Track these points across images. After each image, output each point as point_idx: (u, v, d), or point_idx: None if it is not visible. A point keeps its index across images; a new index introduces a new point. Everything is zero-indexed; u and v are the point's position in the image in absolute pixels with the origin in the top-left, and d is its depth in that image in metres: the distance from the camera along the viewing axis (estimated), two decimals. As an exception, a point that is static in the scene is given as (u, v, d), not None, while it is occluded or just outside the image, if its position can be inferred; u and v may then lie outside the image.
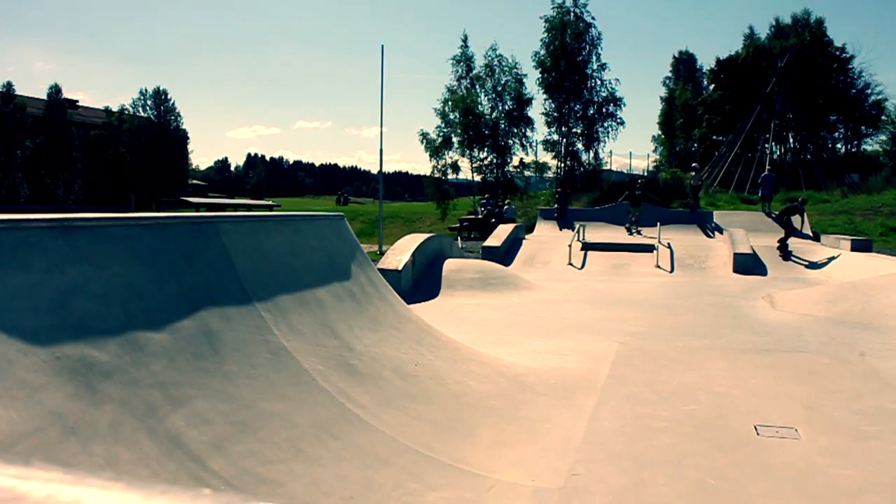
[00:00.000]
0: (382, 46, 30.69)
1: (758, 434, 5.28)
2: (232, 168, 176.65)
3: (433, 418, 5.17)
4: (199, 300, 4.48)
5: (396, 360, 5.94)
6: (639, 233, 25.10)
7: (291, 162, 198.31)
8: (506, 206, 34.46)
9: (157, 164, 70.42)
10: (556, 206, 30.45)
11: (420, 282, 14.31)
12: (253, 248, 5.45)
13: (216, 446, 3.54)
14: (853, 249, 18.64)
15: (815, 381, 7.13)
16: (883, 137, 52.58)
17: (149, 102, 75.14)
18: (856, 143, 62.18)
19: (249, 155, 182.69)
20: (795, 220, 21.94)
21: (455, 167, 48.99)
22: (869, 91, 60.11)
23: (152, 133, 71.93)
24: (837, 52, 59.16)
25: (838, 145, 62.10)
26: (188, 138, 79.67)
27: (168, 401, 3.60)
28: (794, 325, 10.43)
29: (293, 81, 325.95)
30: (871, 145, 59.71)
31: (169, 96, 76.39)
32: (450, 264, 15.07)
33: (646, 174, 53.73)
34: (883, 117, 54.91)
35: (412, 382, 5.66)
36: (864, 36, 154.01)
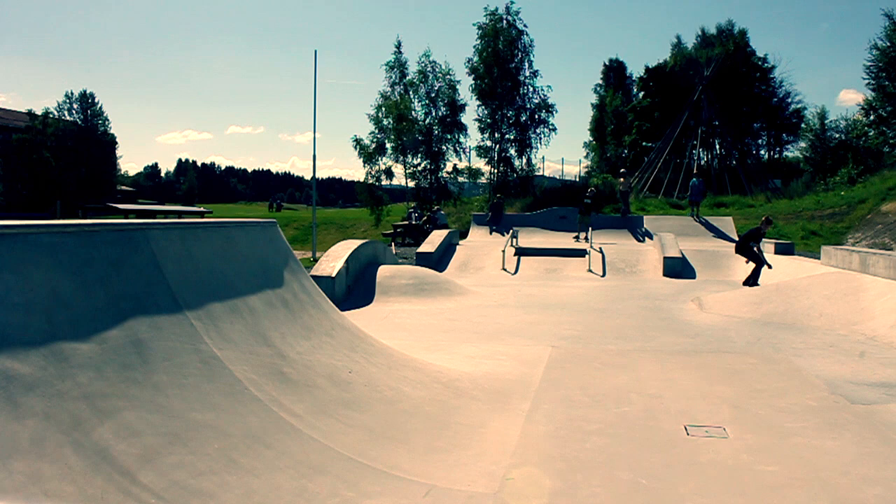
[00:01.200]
0: (315, 52, 30.58)
1: (688, 434, 5.40)
2: (162, 174, 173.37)
3: (368, 425, 5.15)
4: (128, 309, 4.37)
5: (330, 368, 5.89)
6: (587, 240, 25.10)
7: (223, 168, 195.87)
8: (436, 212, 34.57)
9: (83, 170, 68.49)
10: (489, 212, 30.68)
11: (354, 288, 14.23)
12: (183, 255, 5.35)
13: (146, 459, 3.46)
14: (777, 253, 19.19)
15: (741, 380, 7.32)
16: (803, 144, 54.41)
17: (75, 106, 73.05)
18: (778, 149, 64.32)
19: (180, 160, 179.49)
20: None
21: (389, 173, 48.95)
22: (789, 100, 62.27)
23: (78, 137, 69.85)
24: (760, 62, 61.13)
25: (762, 152, 64.09)
26: (116, 143, 77.70)
27: (95, 413, 3.50)
28: (722, 326, 10.69)
29: (225, 86, 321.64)
30: (793, 152, 61.86)
31: (96, 100, 74.38)
32: (384, 270, 15.04)
33: (578, 180, 54.49)
34: (802, 125, 56.80)
35: (346, 390, 5.63)
36: (784, 47, 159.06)
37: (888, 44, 45.65)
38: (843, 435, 5.41)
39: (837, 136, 50.77)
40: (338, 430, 4.85)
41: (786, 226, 32.03)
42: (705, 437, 5.33)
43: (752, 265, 16.36)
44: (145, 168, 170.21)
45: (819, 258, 15.74)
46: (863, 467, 4.71)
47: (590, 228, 25.56)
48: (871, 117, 47.82)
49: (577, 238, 25.94)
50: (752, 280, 15.88)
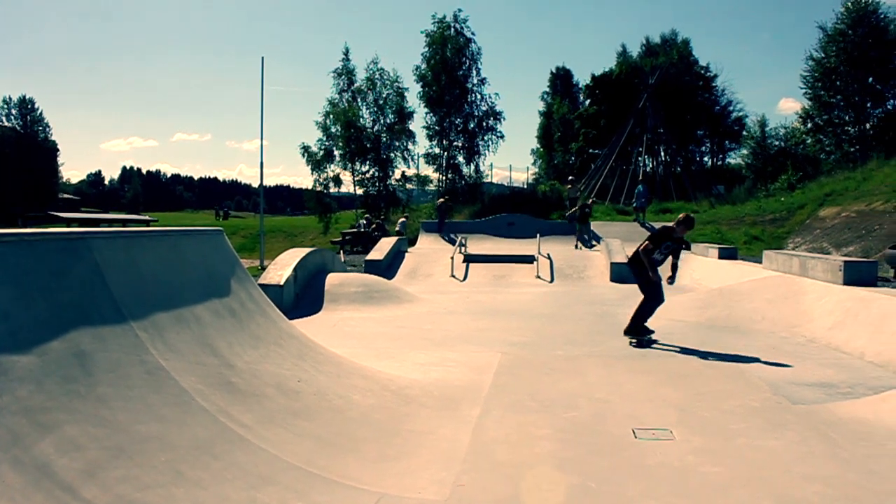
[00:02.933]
0: (263, 58, 30.24)
1: (635, 437, 5.47)
2: (106, 182, 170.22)
3: (317, 434, 5.11)
4: (70, 320, 4.27)
5: (279, 377, 5.84)
6: (589, 247, 25.95)
7: (169, 175, 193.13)
8: (400, 221, 34.52)
9: (23, 177, 66.87)
10: (436, 213, 30.79)
11: (302, 297, 14.12)
12: (128, 264, 5.25)
13: (89, 473, 3.39)
14: (720, 257, 19.53)
15: (687, 383, 7.44)
16: (745, 151, 55.59)
17: (13, 112, 71.41)
18: (721, 156, 65.82)
19: (125, 168, 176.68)
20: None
21: (337, 180, 48.78)
22: (731, 108, 63.79)
23: (18, 144, 68.28)
24: (703, 71, 62.54)
25: (705, 158, 65.48)
26: (58, 150, 76.22)
27: (35, 428, 3.42)
28: (668, 330, 10.86)
29: (171, 93, 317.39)
30: (735, 159, 63.31)
31: (36, 105, 72.86)
32: (332, 278, 14.95)
33: (526, 187, 54.95)
34: (744, 133, 58.09)
35: (295, 399, 5.58)
36: (726, 57, 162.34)
37: (823, 55, 47.06)
38: (784, 435, 5.53)
39: (777, 143, 52.05)
40: (287, 440, 4.81)
41: (729, 231, 32.71)
42: (652, 439, 5.40)
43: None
44: (88, 176, 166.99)
45: (761, 262, 16.06)
46: (804, 466, 4.82)
47: (585, 236, 26.95)
48: (809, 125, 49.24)
49: (577, 247, 26.13)
50: (634, 324, 10.07)
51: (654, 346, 9.81)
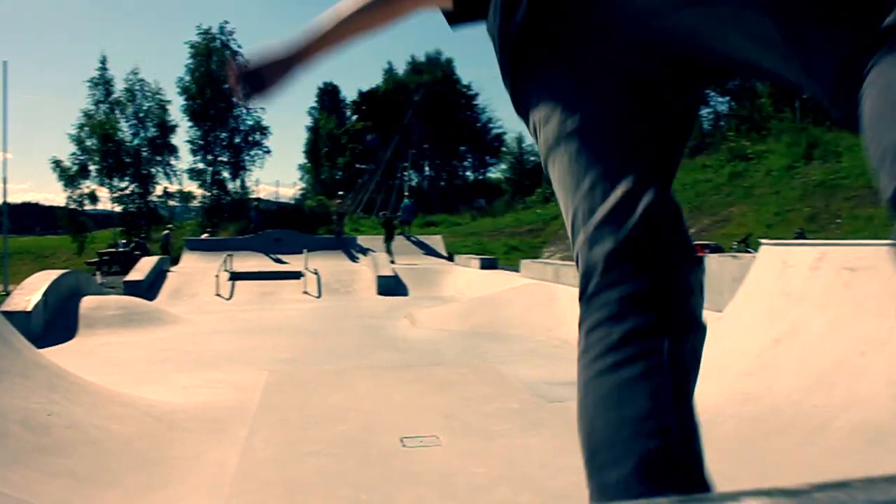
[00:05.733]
0: (5, 63, 27.72)
1: (403, 446, 5.57)
2: None
3: (73, 471, 4.75)
4: None
5: (25, 412, 5.36)
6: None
7: None
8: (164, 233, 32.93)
9: None
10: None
11: (54, 323, 13.08)
12: None
13: None
14: (482, 268, 20.39)
15: (452, 390, 7.69)
16: (504, 166, 58.69)
17: None
18: (482, 171, 68.92)
19: None
20: None
21: (93, 197, 45.79)
22: (491, 125, 67.03)
23: None
24: (465, 90, 65.20)
25: (468, 173, 68.25)
26: None
27: None
28: (433, 340, 11.17)
29: None
30: (495, 173, 66.57)
31: None
32: (88, 302, 13.98)
33: (294, 202, 54.45)
34: (503, 149, 61.36)
35: (45, 434, 5.15)
36: (486, 77, 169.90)
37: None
38: (542, 432, 5.86)
39: (534, 158, 55.38)
40: (37, 480, 4.42)
41: (490, 242, 34.37)
42: (420, 447, 5.53)
43: None
44: None
45: (519, 271, 16.97)
46: (559, 459, 5.14)
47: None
48: (560, 142, 52.75)
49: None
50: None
51: (421, 356, 10.08)
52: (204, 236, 34.78)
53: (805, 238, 21.21)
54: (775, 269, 6.97)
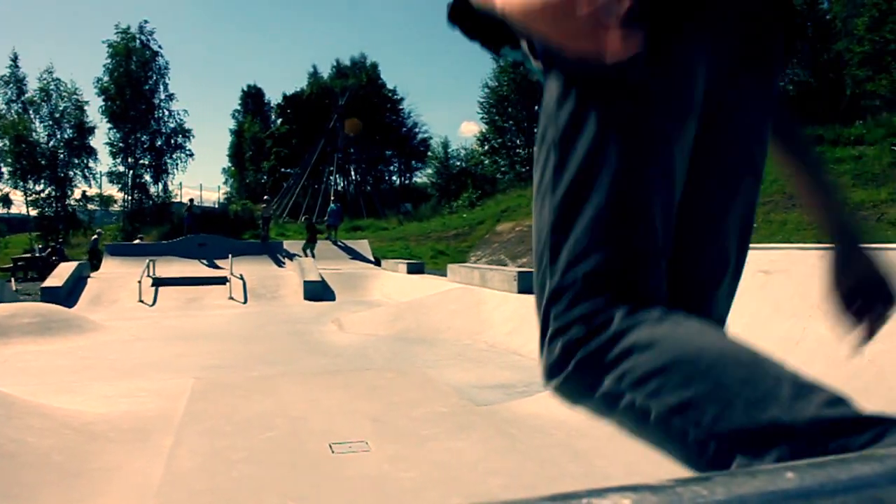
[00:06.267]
0: None
1: (333, 452, 5.55)
2: None
3: (-16, 484, 4.59)
4: None
5: (-67, 424, 5.17)
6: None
7: None
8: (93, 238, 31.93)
9: None
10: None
11: (-37, 332, 12.60)
12: None
13: None
14: (409, 272, 20.42)
15: (381, 395, 7.68)
16: (430, 171, 58.87)
17: None
18: (408, 175, 69.10)
19: None
20: None
21: (6, 201, 44.19)
22: (417, 130, 67.23)
23: None
24: (390, 94, 65.18)
25: (394, 178, 68.32)
26: None
27: None
28: (361, 345, 11.14)
29: None
30: (421, 178, 66.78)
31: None
32: (1, 309, 13.49)
33: (218, 206, 53.58)
34: (429, 153, 61.57)
35: (-45, 447, 4.97)
36: (413, 81, 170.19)
37: (496, 83, 51.28)
38: (470, 435, 5.91)
39: (459, 163, 55.86)
40: (-56, 495, 4.27)
41: (417, 246, 34.41)
42: (349, 452, 5.52)
43: None
44: None
45: (447, 276, 17.03)
46: (488, 462, 5.20)
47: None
48: (486, 147, 53.39)
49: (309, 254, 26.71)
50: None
51: (349, 361, 10.04)
52: (136, 241, 33.89)
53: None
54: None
